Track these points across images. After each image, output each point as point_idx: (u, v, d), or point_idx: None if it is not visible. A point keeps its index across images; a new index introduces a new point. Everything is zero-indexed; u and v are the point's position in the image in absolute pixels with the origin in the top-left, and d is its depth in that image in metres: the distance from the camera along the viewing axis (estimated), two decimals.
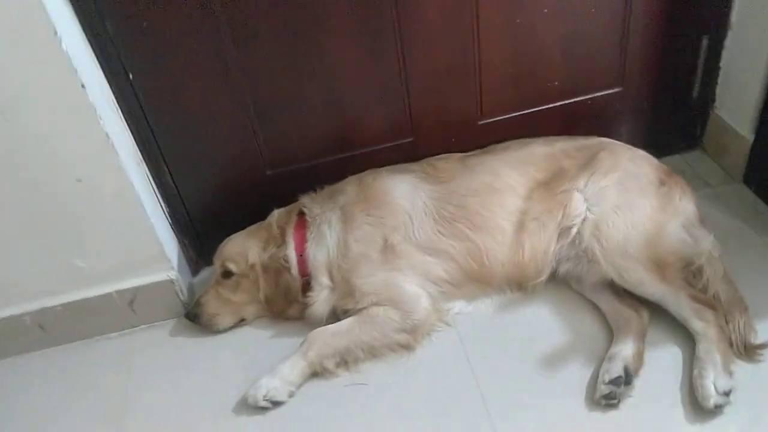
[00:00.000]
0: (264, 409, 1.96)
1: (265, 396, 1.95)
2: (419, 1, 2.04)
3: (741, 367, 1.83)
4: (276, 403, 1.96)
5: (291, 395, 1.99)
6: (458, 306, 2.18)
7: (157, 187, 2.23)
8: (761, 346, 1.86)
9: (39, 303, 2.21)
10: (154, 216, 2.16)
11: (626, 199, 2.06)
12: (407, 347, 2.07)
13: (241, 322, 2.28)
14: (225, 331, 2.25)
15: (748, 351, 1.86)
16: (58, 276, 2.16)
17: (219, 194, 2.36)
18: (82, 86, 1.79)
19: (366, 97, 2.24)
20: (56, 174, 1.94)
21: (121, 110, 2.04)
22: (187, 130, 2.19)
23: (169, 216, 2.30)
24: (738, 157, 2.44)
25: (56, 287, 2.19)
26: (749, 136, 2.36)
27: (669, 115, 2.53)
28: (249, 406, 1.97)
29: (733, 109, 2.43)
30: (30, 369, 2.26)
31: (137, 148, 2.12)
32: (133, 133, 2.10)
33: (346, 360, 2.05)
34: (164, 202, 2.27)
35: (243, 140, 2.25)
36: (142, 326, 2.34)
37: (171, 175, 2.26)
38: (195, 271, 2.49)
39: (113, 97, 2.00)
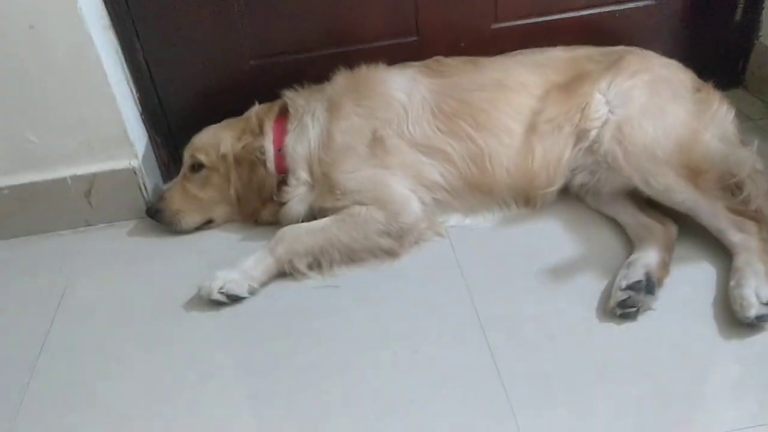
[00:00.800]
0: (219, 303, 1.68)
1: (221, 288, 1.67)
2: None
3: None
4: (233, 298, 1.68)
5: (252, 292, 1.71)
6: (454, 219, 1.90)
7: (127, 62, 2.00)
8: None
9: None
10: (119, 89, 1.92)
11: (656, 103, 1.78)
12: (391, 253, 1.79)
13: (208, 223, 2.02)
14: (189, 231, 1.99)
15: None
16: (7, 152, 1.93)
17: (196, 83, 2.13)
18: None
19: None
20: (6, 16, 1.70)
21: None
22: (163, 2, 1.96)
23: (139, 101, 2.06)
24: None
25: (3, 165, 1.94)
26: None
27: (708, 42, 2.26)
28: (202, 300, 1.69)
29: None
30: None
31: (105, 9, 1.88)
32: None
33: (319, 261, 1.77)
34: (134, 83, 2.03)
35: (226, 22, 2.02)
36: (99, 225, 2.08)
37: (143, 52, 2.03)
38: (166, 176, 2.23)
39: None
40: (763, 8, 2.19)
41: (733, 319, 1.45)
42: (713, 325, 1.46)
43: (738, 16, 2.21)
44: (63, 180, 1.98)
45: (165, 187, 2.07)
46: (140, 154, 2.01)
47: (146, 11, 1.96)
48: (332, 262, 1.77)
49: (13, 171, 1.96)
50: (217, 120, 2.05)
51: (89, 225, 2.08)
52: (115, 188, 2.01)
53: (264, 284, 1.74)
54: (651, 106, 1.78)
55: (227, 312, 1.68)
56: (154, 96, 2.11)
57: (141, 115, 2.08)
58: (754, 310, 1.41)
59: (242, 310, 1.68)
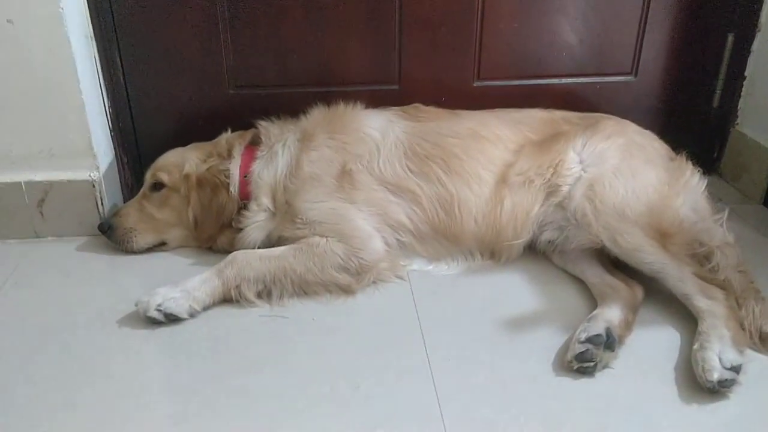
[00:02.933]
0: (155, 321, 1.57)
1: (159, 306, 1.57)
2: None
3: (753, 358, 1.43)
4: (171, 318, 1.58)
5: (192, 314, 1.60)
6: (417, 263, 1.83)
7: (104, 76, 1.98)
8: None
9: None
10: (90, 98, 1.89)
11: (629, 165, 1.77)
12: (346, 290, 1.70)
13: (161, 246, 1.93)
14: (140, 252, 1.91)
15: (763, 340, 1.48)
16: None
17: (173, 107, 2.11)
18: None
19: (353, 28, 2.04)
20: None
21: None
22: (150, 22, 1.97)
23: (110, 116, 2.03)
24: (759, 176, 2.16)
25: None
26: None
27: (684, 124, 2.28)
28: (138, 317, 1.58)
29: (758, 123, 2.18)
30: None
31: (89, 19, 1.88)
32: (88, 3, 1.87)
33: (269, 290, 1.68)
34: (108, 95, 2.01)
35: (211, 43, 2.02)
36: (49, 237, 1.99)
37: (123, 70, 2.02)
38: (128, 198, 2.15)
39: None
40: (740, 96, 2.23)
41: (695, 385, 1.36)
42: (674, 388, 1.37)
43: (716, 102, 2.25)
44: (17, 184, 1.91)
45: (121, 205, 1.99)
46: (102, 169, 1.95)
47: (132, 29, 1.97)
48: (283, 292, 1.68)
49: None
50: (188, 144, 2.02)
51: (38, 236, 1.99)
52: (70, 199, 1.94)
53: (207, 307, 1.63)
54: (624, 167, 1.76)
55: (162, 331, 1.56)
56: (127, 113, 2.08)
57: (110, 131, 2.04)
58: (716, 374, 1.32)
59: (178, 331, 1.57)
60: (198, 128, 2.08)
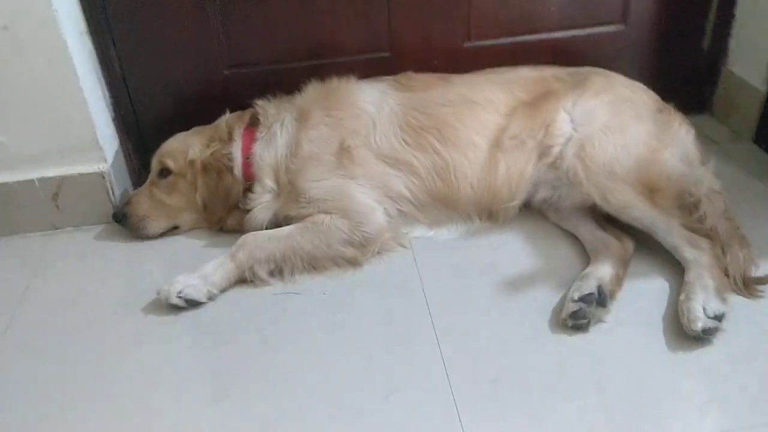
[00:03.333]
0: (177, 307, 1.68)
1: (179, 293, 1.68)
2: None
3: (737, 302, 1.53)
4: (192, 303, 1.69)
5: (211, 297, 1.71)
6: (419, 230, 1.92)
7: (101, 68, 2.02)
8: (762, 280, 1.58)
9: None
10: (91, 94, 1.94)
11: (618, 121, 1.82)
12: (353, 263, 1.80)
13: (174, 230, 2.02)
14: (155, 237, 2.00)
15: (746, 284, 1.58)
16: None
17: (170, 90, 2.15)
18: None
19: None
20: None
21: None
22: (141, 10, 1.99)
23: (112, 106, 2.09)
24: (749, 113, 2.21)
25: None
26: (763, 88, 2.13)
27: (675, 68, 2.31)
28: (161, 304, 1.70)
29: (748, 62, 2.20)
30: None
31: (82, 15, 1.91)
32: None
33: (281, 268, 1.78)
34: (107, 87, 2.06)
35: (202, 27, 2.05)
36: (67, 228, 2.08)
37: (119, 59, 2.06)
38: (136, 182, 2.24)
39: None
40: (730, 36, 2.24)
41: (682, 333, 1.46)
42: (662, 338, 1.48)
43: (706, 43, 2.27)
44: (30, 182, 1.99)
45: (132, 192, 2.07)
46: (110, 159, 2.03)
47: (123, 19, 2.00)
48: (294, 270, 1.78)
49: None
50: (189, 126, 2.07)
51: (56, 228, 2.08)
52: (83, 192, 2.02)
53: (224, 290, 1.74)
54: (612, 124, 1.81)
55: (186, 316, 1.68)
56: (127, 102, 2.13)
57: (113, 120, 2.10)
58: (700, 324, 1.43)
59: (201, 315, 1.68)
60: (197, 109, 2.12)
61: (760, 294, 1.56)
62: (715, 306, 1.45)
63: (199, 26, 2.04)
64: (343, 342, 1.56)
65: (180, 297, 1.67)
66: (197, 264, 1.79)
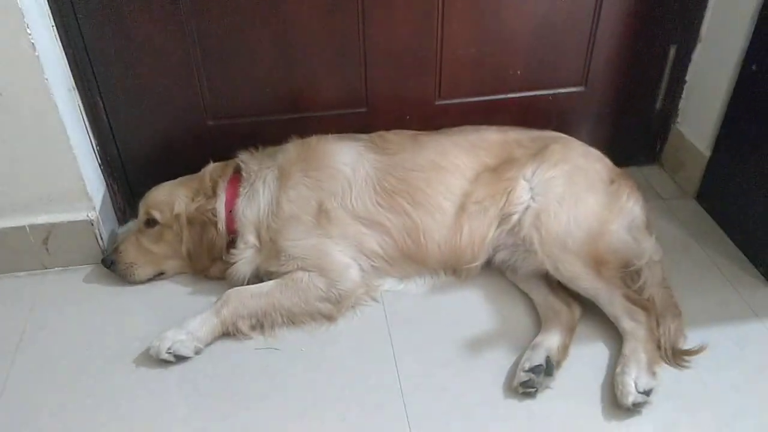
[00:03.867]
0: (167, 362, 1.83)
1: (168, 349, 1.82)
2: None
3: (668, 373, 1.75)
4: (180, 358, 1.84)
5: (197, 352, 1.86)
6: (389, 283, 2.09)
7: (88, 120, 2.11)
8: (688, 352, 1.79)
9: None
10: (80, 148, 2.03)
11: (572, 193, 2.00)
12: (329, 317, 1.97)
13: (159, 275, 2.15)
14: (142, 282, 2.13)
15: (675, 356, 1.80)
16: None
17: (156, 139, 2.25)
18: None
19: (320, 56, 2.16)
20: None
21: (57, 27, 1.92)
22: (127, 62, 2.08)
23: (98, 154, 2.18)
24: (693, 173, 2.40)
25: None
26: (706, 153, 2.33)
27: (630, 125, 2.50)
28: (151, 358, 1.84)
29: (694, 126, 2.40)
30: None
31: (70, 73, 2.00)
32: (68, 57, 1.98)
33: (262, 323, 1.93)
34: (94, 138, 2.15)
35: (186, 83, 2.15)
36: (56, 269, 2.20)
37: (105, 109, 2.15)
38: (122, 220, 2.37)
39: (49, 11, 1.88)
40: (681, 98, 2.43)
41: (616, 402, 1.68)
42: (599, 406, 1.69)
43: (658, 104, 2.45)
44: (22, 228, 2.09)
45: (119, 238, 2.19)
46: (98, 207, 2.14)
47: (110, 73, 2.08)
48: (273, 324, 1.94)
49: None
50: (173, 172, 2.19)
51: (45, 268, 2.19)
52: (72, 237, 2.13)
53: (208, 344, 1.89)
54: (567, 196, 1.99)
55: (173, 370, 1.83)
56: (113, 148, 2.23)
57: (100, 166, 2.20)
58: (631, 398, 1.64)
59: (187, 369, 1.83)
60: (181, 157, 2.24)
61: (686, 365, 1.78)
62: (645, 381, 1.67)
63: (184, 80, 2.14)
64: (319, 400, 1.73)
65: (169, 353, 1.82)
66: (182, 309, 1.96)
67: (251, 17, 2.02)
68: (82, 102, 2.07)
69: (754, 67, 2.05)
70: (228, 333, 1.91)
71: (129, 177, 2.32)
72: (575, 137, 2.35)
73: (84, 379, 1.82)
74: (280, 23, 2.06)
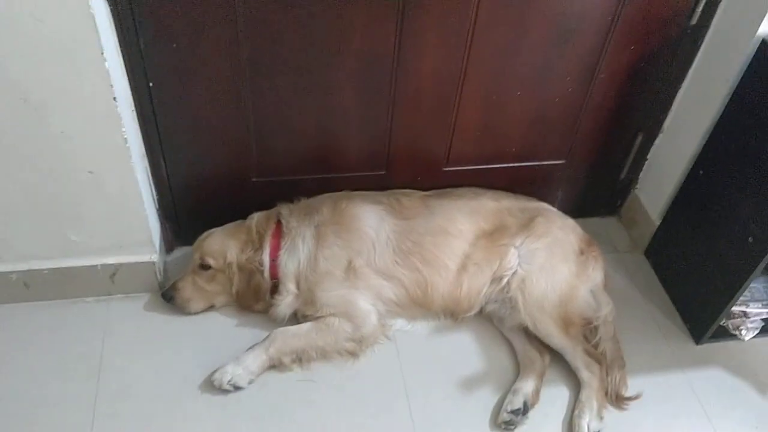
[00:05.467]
0: (226, 391, 2.31)
1: (229, 381, 2.30)
2: (415, 69, 2.36)
3: (610, 413, 2.35)
4: (237, 388, 2.31)
5: (251, 383, 2.34)
6: (399, 323, 2.59)
7: (153, 179, 2.47)
8: (628, 399, 2.39)
9: (28, 264, 2.41)
10: (149, 206, 2.41)
11: (551, 263, 2.51)
12: (353, 354, 2.47)
13: (210, 308, 2.59)
14: (195, 314, 2.56)
15: (618, 401, 2.38)
16: (51, 245, 2.38)
17: (207, 190, 2.62)
18: (114, 99, 2.01)
19: (353, 133, 2.55)
20: (71, 165, 2.13)
21: (136, 112, 2.25)
22: (190, 134, 2.42)
23: (158, 203, 2.55)
24: (644, 233, 2.95)
25: (47, 253, 2.40)
26: (656, 220, 2.87)
27: (598, 187, 3.01)
28: (213, 387, 2.31)
29: (649, 195, 2.93)
30: (12, 319, 2.48)
31: (143, 146, 2.35)
32: (142, 132, 2.32)
33: (300, 358, 2.42)
34: (156, 192, 2.52)
35: (238, 149, 2.51)
36: (118, 295, 2.60)
37: (166, 169, 2.50)
38: (169, 249, 2.76)
39: (132, 101, 2.21)
40: (641, 171, 2.94)
41: None
42: None
43: (623, 174, 2.96)
44: (94, 266, 2.47)
45: (176, 277, 2.59)
46: (158, 248, 2.53)
47: (175, 142, 2.42)
48: (310, 359, 2.42)
49: (54, 258, 2.42)
50: (216, 213, 2.60)
51: (110, 295, 2.59)
52: (135, 273, 2.53)
53: (259, 376, 2.38)
54: (547, 265, 2.50)
55: (231, 398, 2.31)
56: (169, 195, 2.59)
57: (157, 211, 2.58)
58: None
59: (243, 397, 2.31)
60: (225, 203, 2.64)
61: (625, 408, 2.37)
62: (594, 425, 2.26)
63: (238, 149, 2.50)
64: (350, 429, 2.26)
65: (230, 384, 2.30)
66: (231, 337, 2.45)
67: (300, 105, 2.38)
68: (150, 165, 2.42)
69: (701, 173, 2.56)
70: (274, 366, 2.39)
71: (179, 216, 2.70)
72: (553, 195, 2.90)
73: (161, 403, 2.26)
74: (324, 109, 2.43)
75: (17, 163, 2.11)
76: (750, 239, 2.30)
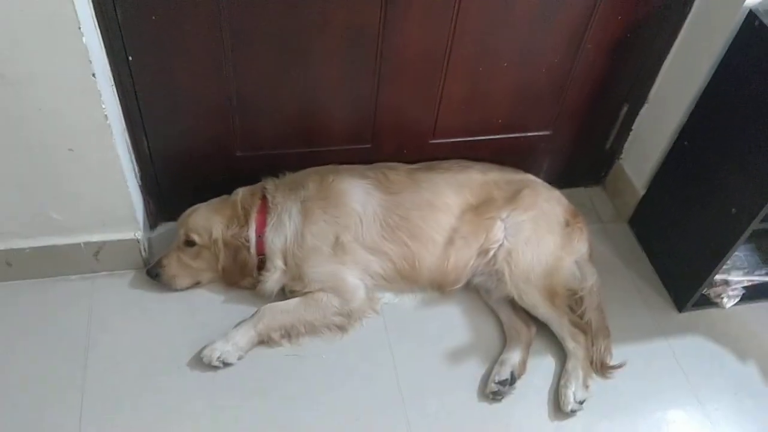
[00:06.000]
0: (216, 368, 2.31)
1: (218, 357, 2.30)
2: (401, 42, 2.32)
3: (595, 382, 2.39)
4: (227, 364, 2.32)
5: (240, 359, 2.35)
6: (387, 297, 2.60)
7: (134, 154, 2.43)
8: (613, 367, 2.43)
9: (9, 243, 2.38)
10: (131, 183, 2.37)
11: (536, 236, 2.53)
12: (342, 328, 2.48)
13: (196, 284, 2.57)
14: (182, 290, 2.54)
15: (603, 370, 2.43)
16: (33, 223, 2.33)
17: (189, 166, 2.58)
18: (93, 75, 1.95)
19: (338, 105, 2.51)
20: (51, 142, 2.09)
21: (116, 87, 2.20)
22: (171, 109, 2.37)
23: (140, 179, 2.51)
24: (628, 202, 2.97)
25: (29, 232, 2.36)
26: (641, 190, 2.89)
27: (583, 158, 3.01)
28: (203, 364, 2.31)
29: (634, 165, 2.94)
30: None
31: (124, 121, 2.29)
32: (122, 107, 2.27)
33: (289, 333, 2.42)
34: (138, 167, 2.47)
35: (221, 124, 2.46)
36: (103, 273, 2.57)
37: (148, 144, 2.45)
38: (153, 225, 2.73)
39: (111, 76, 2.15)
40: (626, 141, 2.95)
41: (557, 405, 2.31)
42: (546, 408, 2.32)
43: (608, 145, 2.97)
44: (77, 244, 2.44)
45: (161, 254, 2.56)
46: (142, 226, 2.50)
47: (155, 115, 2.36)
48: (298, 335, 2.43)
49: (36, 236, 2.38)
50: (200, 188, 2.58)
51: (94, 272, 2.56)
52: (119, 251, 2.50)
53: (248, 351, 2.38)
54: (532, 238, 2.52)
55: (221, 374, 2.31)
56: (151, 171, 2.54)
57: (140, 187, 2.53)
58: (570, 406, 2.28)
59: (233, 373, 2.32)
60: (209, 178, 2.61)
61: (610, 377, 2.42)
62: (580, 394, 2.30)
63: (221, 122, 2.44)
64: (338, 401, 2.27)
65: (219, 360, 2.30)
66: (217, 313, 2.45)
67: (283, 78, 2.33)
68: (131, 140, 2.37)
69: (686, 143, 2.57)
70: (263, 342, 2.40)
71: (162, 191, 2.66)
72: (539, 166, 2.90)
73: (150, 380, 2.27)
74: (308, 82, 2.38)
75: None
76: (733, 210, 2.33)
